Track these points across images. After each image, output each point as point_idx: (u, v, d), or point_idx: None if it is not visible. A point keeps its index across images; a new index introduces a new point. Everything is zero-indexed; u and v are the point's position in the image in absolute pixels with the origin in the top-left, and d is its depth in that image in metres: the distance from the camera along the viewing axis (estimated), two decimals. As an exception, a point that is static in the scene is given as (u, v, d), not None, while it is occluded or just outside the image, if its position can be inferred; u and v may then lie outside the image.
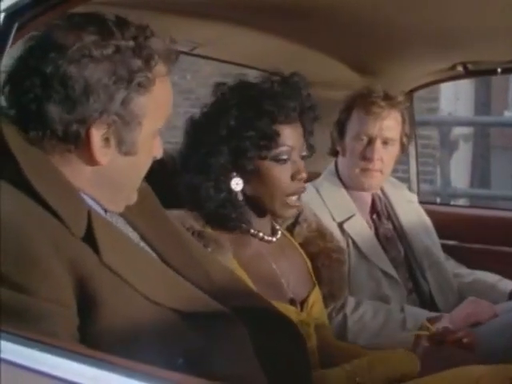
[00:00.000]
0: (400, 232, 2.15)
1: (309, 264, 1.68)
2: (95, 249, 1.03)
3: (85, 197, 1.11)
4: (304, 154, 1.55)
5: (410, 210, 2.22)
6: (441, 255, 2.22)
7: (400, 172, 2.69)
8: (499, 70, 2.27)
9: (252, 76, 1.65)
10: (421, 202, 2.40)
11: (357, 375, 1.36)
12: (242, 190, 1.52)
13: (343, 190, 2.09)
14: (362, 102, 2.05)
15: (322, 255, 1.69)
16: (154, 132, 1.14)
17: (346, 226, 2.00)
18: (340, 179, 2.11)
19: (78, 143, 1.07)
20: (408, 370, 1.39)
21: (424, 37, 1.93)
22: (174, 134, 1.73)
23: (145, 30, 1.10)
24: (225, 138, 1.49)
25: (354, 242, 1.99)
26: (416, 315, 1.89)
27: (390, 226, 2.14)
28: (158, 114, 1.13)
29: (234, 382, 1.05)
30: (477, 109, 6.27)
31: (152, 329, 1.04)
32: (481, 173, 6.30)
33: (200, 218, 1.52)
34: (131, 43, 1.08)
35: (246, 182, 1.52)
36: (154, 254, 1.19)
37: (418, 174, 2.64)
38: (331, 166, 2.17)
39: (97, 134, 1.07)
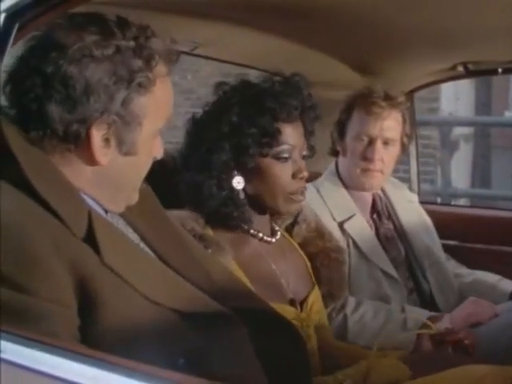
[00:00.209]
0: (400, 232, 2.15)
1: (308, 264, 1.68)
2: (96, 249, 1.03)
3: (85, 197, 1.11)
4: (305, 153, 1.55)
5: (410, 210, 2.22)
6: (441, 255, 2.22)
7: (401, 172, 2.69)
8: (500, 70, 2.27)
9: (253, 76, 1.65)
10: (421, 202, 2.40)
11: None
12: (244, 189, 1.53)
13: (344, 190, 2.09)
14: (363, 103, 2.05)
15: (321, 255, 1.69)
16: (155, 132, 1.14)
17: (346, 225, 2.00)
18: (340, 179, 2.11)
19: (79, 143, 1.07)
20: (400, 376, 1.38)
21: (424, 37, 1.93)
22: (174, 134, 1.73)
23: (146, 31, 1.10)
24: (226, 135, 1.49)
25: (354, 242, 1.99)
26: (416, 315, 1.89)
27: (390, 225, 2.14)
28: (159, 115, 1.13)
29: (234, 382, 1.05)
30: (477, 109, 6.27)
31: (152, 329, 1.04)
32: (481, 173, 6.30)
33: (200, 218, 1.52)
34: (132, 43, 1.08)
35: (247, 181, 1.52)
36: (153, 255, 1.19)
37: (418, 173, 2.64)
38: (332, 166, 2.17)
39: (97, 134, 1.07)
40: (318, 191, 2.05)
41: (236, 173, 1.51)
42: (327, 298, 1.68)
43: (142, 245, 1.20)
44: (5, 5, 1.14)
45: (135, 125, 1.09)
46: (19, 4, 1.14)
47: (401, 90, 2.27)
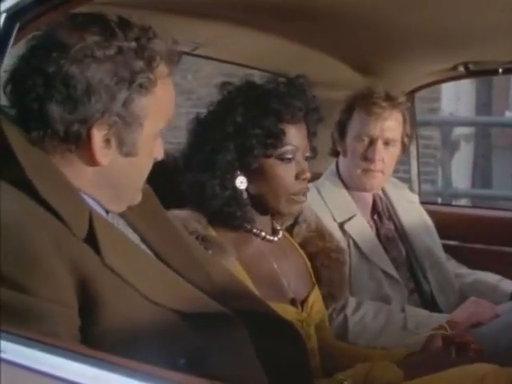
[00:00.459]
0: (401, 232, 2.15)
1: (308, 264, 1.68)
2: (96, 250, 1.03)
3: (85, 197, 1.11)
4: (308, 154, 1.56)
5: (411, 211, 2.22)
6: (442, 255, 2.22)
7: (401, 172, 2.68)
8: (500, 70, 2.27)
9: (258, 77, 1.66)
10: (422, 203, 2.40)
11: None
12: (246, 189, 1.53)
13: (344, 191, 2.09)
14: (364, 103, 2.05)
15: (321, 255, 1.69)
16: (156, 133, 1.14)
17: (346, 226, 2.00)
18: (341, 180, 2.11)
19: (79, 143, 1.07)
20: (394, 378, 1.38)
21: (425, 37, 1.93)
22: (175, 134, 1.73)
23: (147, 32, 1.10)
24: (231, 135, 1.50)
25: (354, 243, 1.99)
26: (417, 316, 1.89)
27: (391, 226, 2.14)
28: (160, 116, 1.13)
29: (234, 382, 1.05)
30: (478, 109, 6.27)
31: (152, 329, 1.04)
32: (482, 173, 6.29)
33: (202, 217, 1.52)
34: (133, 44, 1.08)
35: (250, 181, 1.53)
36: (153, 255, 1.19)
37: (419, 174, 2.64)
38: (332, 166, 2.17)
39: (98, 135, 1.07)
40: (319, 192, 2.05)
41: (239, 173, 1.52)
42: (328, 298, 1.68)
43: (143, 245, 1.20)
44: (5, 5, 1.14)
45: (136, 125, 1.09)
46: (20, 4, 1.14)
47: (401, 90, 2.27)
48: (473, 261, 2.33)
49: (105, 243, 1.04)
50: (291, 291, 1.58)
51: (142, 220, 1.22)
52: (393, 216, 2.16)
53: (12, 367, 0.88)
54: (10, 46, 1.14)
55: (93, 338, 0.99)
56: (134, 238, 1.19)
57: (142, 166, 1.16)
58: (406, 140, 2.11)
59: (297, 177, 1.53)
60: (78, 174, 1.09)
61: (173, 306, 1.08)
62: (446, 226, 2.33)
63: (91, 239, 1.04)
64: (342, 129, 2.11)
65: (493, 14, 1.67)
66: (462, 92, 6.03)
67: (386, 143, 2.05)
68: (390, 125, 2.05)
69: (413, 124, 2.21)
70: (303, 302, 1.59)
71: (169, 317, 1.07)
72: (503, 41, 1.92)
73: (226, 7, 1.72)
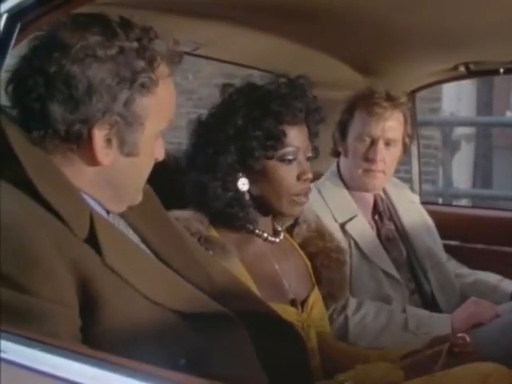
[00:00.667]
0: (402, 232, 2.15)
1: (308, 265, 1.68)
2: (97, 250, 1.03)
3: (86, 197, 1.11)
4: (309, 155, 1.56)
5: (411, 211, 2.22)
6: (443, 255, 2.22)
7: (402, 172, 2.68)
8: (501, 70, 2.27)
9: (258, 78, 1.66)
10: (423, 203, 2.40)
11: None
12: (249, 190, 1.53)
13: (345, 191, 2.09)
14: (365, 103, 2.05)
15: (322, 255, 1.69)
16: (157, 133, 1.15)
17: (347, 226, 2.00)
18: (342, 180, 2.11)
19: (80, 143, 1.07)
20: (395, 377, 1.38)
21: (426, 37, 1.92)
22: (176, 134, 1.73)
23: (149, 32, 1.10)
24: (232, 138, 1.50)
25: (355, 243, 1.99)
26: (418, 316, 1.89)
27: (391, 226, 2.14)
28: (161, 116, 1.13)
29: (235, 382, 1.05)
30: (479, 109, 6.26)
31: (153, 329, 1.04)
32: (483, 173, 6.29)
33: (205, 218, 1.52)
34: (135, 44, 1.08)
35: (252, 183, 1.53)
36: (154, 256, 1.19)
37: (420, 174, 2.64)
38: (333, 166, 2.17)
39: (99, 135, 1.07)
40: (320, 192, 2.05)
41: (241, 174, 1.52)
42: (328, 298, 1.68)
43: (143, 246, 1.20)
44: (6, 6, 1.14)
45: (137, 125, 1.10)
46: (21, 5, 1.14)
47: (402, 90, 2.27)
48: (473, 261, 2.33)
49: (105, 243, 1.04)
50: (292, 292, 1.58)
51: (142, 220, 1.23)
52: (394, 216, 2.16)
53: (12, 367, 0.88)
54: (11, 46, 1.14)
55: (93, 338, 0.99)
56: (134, 238, 1.19)
57: (143, 166, 1.16)
58: (407, 140, 2.11)
59: (298, 178, 1.53)
60: (78, 173, 1.09)
61: (173, 306, 1.08)
62: (446, 226, 2.33)
63: (92, 239, 1.04)
64: (343, 129, 2.11)
65: (493, 14, 1.67)
66: (462, 92, 6.03)
67: (387, 143, 2.05)
68: (391, 125, 2.05)
69: (414, 124, 2.21)
70: (303, 303, 1.59)
71: (169, 317, 1.07)
72: (504, 41, 1.92)
73: (227, 7, 1.72)
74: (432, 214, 2.29)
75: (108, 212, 1.16)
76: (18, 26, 1.14)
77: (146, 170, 1.17)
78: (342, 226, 2.00)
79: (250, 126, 1.49)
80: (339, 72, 2.26)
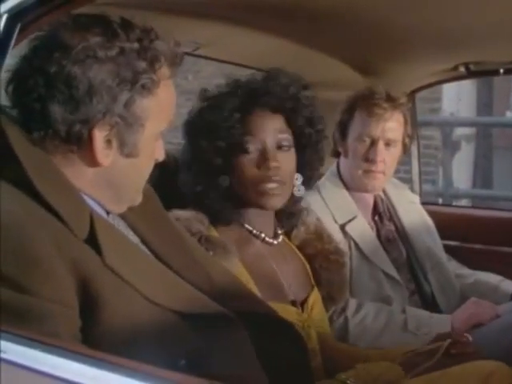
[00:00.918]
0: (402, 233, 2.15)
1: (307, 267, 1.68)
2: (97, 250, 1.03)
3: (86, 198, 1.11)
4: (286, 143, 1.55)
5: (411, 211, 2.22)
6: (443, 256, 2.22)
7: (402, 172, 2.68)
8: (501, 70, 2.27)
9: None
10: (423, 203, 2.39)
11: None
12: (229, 186, 1.56)
13: (345, 192, 2.09)
14: (365, 104, 2.05)
15: (320, 257, 1.69)
16: (157, 134, 1.15)
17: (348, 227, 2.00)
18: (342, 180, 2.11)
19: (81, 144, 1.07)
20: (395, 376, 1.39)
21: (426, 37, 1.92)
22: (176, 134, 1.74)
23: (149, 33, 1.10)
24: (205, 134, 1.54)
25: (355, 244, 1.99)
26: (417, 316, 1.89)
27: (391, 227, 2.14)
28: (161, 117, 1.13)
29: (235, 382, 1.05)
30: (479, 109, 6.26)
31: (152, 329, 1.04)
32: (483, 173, 6.29)
33: (205, 218, 1.54)
34: (136, 45, 1.08)
35: (230, 177, 1.55)
36: (153, 256, 1.19)
37: (420, 174, 2.64)
38: (333, 167, 2.17)
39: (99, 136, 1.07)
40: (320, 193, 2.05)
41: (220, 171, 1.55)
42: (327, 300, 1.68)
43: (143, 246, 1.20)
44: (6, 6, 1.14)
45: (137, 126, 1.10)
46: (21, 5, 1.14)
47: (402, 90, 2.27)
48: (473, 261, 2.33)
49: (105, 244, 1.04)
50: (291, 293, 1.58)
51: (142, 221, 1.23)
52: (393, 217, 2.16)
53: (12, 367, 0.88)
54: (11, 46, 1.14)
55: (93, 338, 0.99)
56: (134, 239, 1.19)
57: (143, 167, 1.16)
58: (407, 140, 2.11)
59: (258, 166, 1.53)
60: (78, 174, 1.09)
61: (173, 306, 1.08)
62: (446, 226, 2.33)
63: (92, 240, 1.04)
64: (343, 129, 2.11)
65: (493, 14, 1.67)
66: (462, 92, 6.03)
67: (387, 144, 2.05)
68: (392, 126, 2.05)
69: (414, 124, 2.21)
70: (303, 304, 1.59)
71: (169, 317, 1.07)
72: (504, 41, 1.92)
73: (227, 7, 1.72)
74: (432, 214, 2.29)
75: (108, 213, 1.16)
76: (18, 26, 1.15)
77: (146, 170, 1.17)
78: (342, 227, 2.00)
79: (218, 119, 1.53)
80: (339, 72, 2.26)
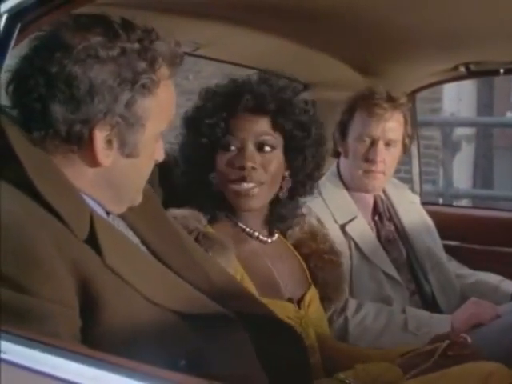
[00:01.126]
0: (402, 233, 2.15)
1: (304, 265, 1.68)
2: (97, 251, 1.03)
3: (86, 198, 1.11)
4: (267, 145, 1.54)
5: (412, 211, 2.22)
6: (443, 256, 2.22)
7: (402, 172, 2.68)
8: (502, 70, 2.27)
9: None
10: (423, 203, 2.39)
11: None
12: (216, 184, 1.57)
13: (345, 192, 2.09)
14: (365, 104, 2.05)
15: (314, 256, 1.69)
16: (157, 135, 1.15)
17: (348, 228, 2.00)
18: (342, 180, 2.11)
19: (81, 144, 1.07)
20: (394, 377, 1.39)
21: (426, 37, 1.93)
22: (176, 134, 1.74)
23: (150, 33, 1.11)
24: (191, 131, 1.58)
25: (356, 244, 1.99)
26: (418, 317, 1.89)
27: (391, 227, 2.14)
28: (162, 117, 1.13)
29: (234, 382, 1.05)
30: (479, 109, 6.26)
31: (152, 330, 1.04)
32: (483, 173, 6.29)
33: (202, 216, 1.54)
34: (137, 45, 1.08)
35: (215, 176, 1.57)
36: (153, 257, 1.19)
37: (420, 174, 2.64)
38: (333, 167, 2.17)
39: (100, 136, 1.07)
40: (320, 193, 2.05)
41: (210, 168, 1.56)
42: (325, 300, 1.68)
43: (142, 246, 1.20)
44: (6, 6, 1.14)
45: (138, 127, 1.10)
46: (21, 5, 1.14)
47: (403, 90, 2.27)
48: (474, 261, 2.33)
49: (106, 244, 1.04)
50: (288, 291, 1.58)
51: (142, 221, 1.23)
52: (393, 217, 2.16)
53: (12, 368, 0.88)
54: (11, 46, 1.14)
55: (93, 339, 0.99)
56: (134, 239, 1.19)
57: (143, 167, 1.16)
58: (407, 141, 2.11)
59: (234, 165, 1.53)
60: (78, 174, 1.09)
61: (172, 306, 1.08)
62: (447, 226, 2.33)
63: (92, 240, 1.04)
64: (343, 129, 2.11)
65: (493, 14, 1.67)
66: (463, 92, 6.03)
67: (388, 144, 2.05)
68: (392, 126, 2.05)
69: (414, 124, 2.21)
70: (300, 301, 1.59)
71: (168, 317, 1.07)
72: (504, 41, 1.92)
73: (227, 7, 1.72)
74: (432, 214, 2.29)
75: (108, 213, 1.16)
76: (18, 26, 1.14)
77: (146, 171, 1.18)
78: (343, 228, 2.00)
79: (204, 117, 1.56)
80: (339, 72, 2.26)
